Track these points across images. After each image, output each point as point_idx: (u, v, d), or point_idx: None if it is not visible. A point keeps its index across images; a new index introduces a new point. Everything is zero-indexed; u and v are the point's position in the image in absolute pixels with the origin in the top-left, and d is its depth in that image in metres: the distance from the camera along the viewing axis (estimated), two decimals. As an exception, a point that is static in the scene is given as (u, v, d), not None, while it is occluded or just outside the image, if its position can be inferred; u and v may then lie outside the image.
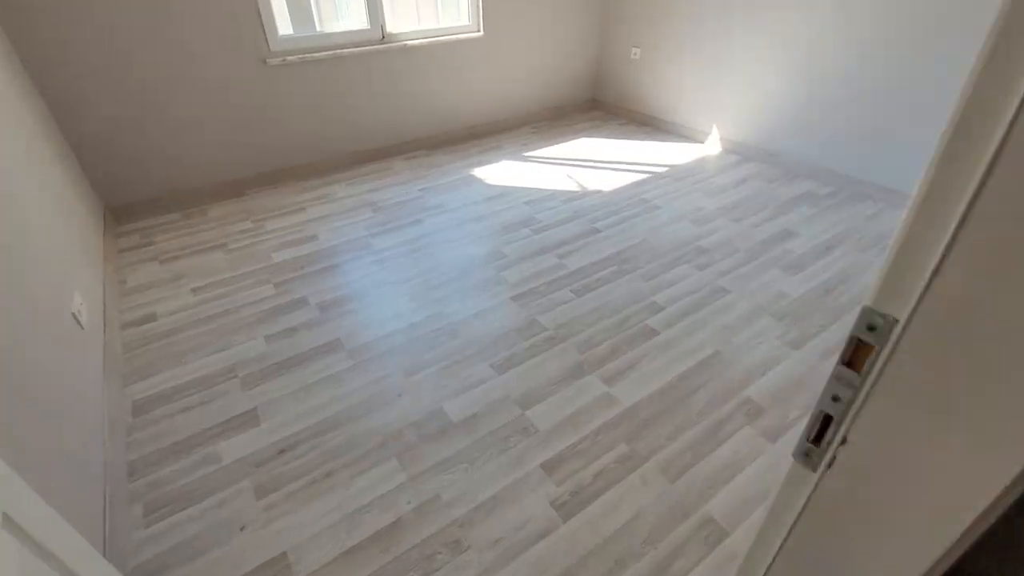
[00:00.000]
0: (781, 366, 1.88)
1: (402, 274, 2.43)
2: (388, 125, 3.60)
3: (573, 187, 3.22)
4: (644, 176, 3.33)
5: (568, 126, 4.22)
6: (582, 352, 1.96)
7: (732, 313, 2.14)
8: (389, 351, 1.98)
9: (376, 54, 3.31)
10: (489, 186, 3.25)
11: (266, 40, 2.95)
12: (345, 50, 3.17)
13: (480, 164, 3.57)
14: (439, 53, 3.56)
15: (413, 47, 3.41)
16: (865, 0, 2.68)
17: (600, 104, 4.57)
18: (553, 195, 3.12)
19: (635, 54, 4.05)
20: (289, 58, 3.01)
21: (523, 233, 2.75)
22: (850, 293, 2.24)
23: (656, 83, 3.99)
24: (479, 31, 3.67)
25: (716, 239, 2.65)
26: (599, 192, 3.15)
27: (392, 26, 3.34)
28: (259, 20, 2.88)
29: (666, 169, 3.42)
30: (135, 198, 2.94)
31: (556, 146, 3.83)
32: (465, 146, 3.87)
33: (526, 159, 3.63)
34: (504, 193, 3.16)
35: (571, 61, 4.25)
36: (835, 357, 0.78)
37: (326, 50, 3.14)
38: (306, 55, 3.06)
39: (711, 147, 3.75)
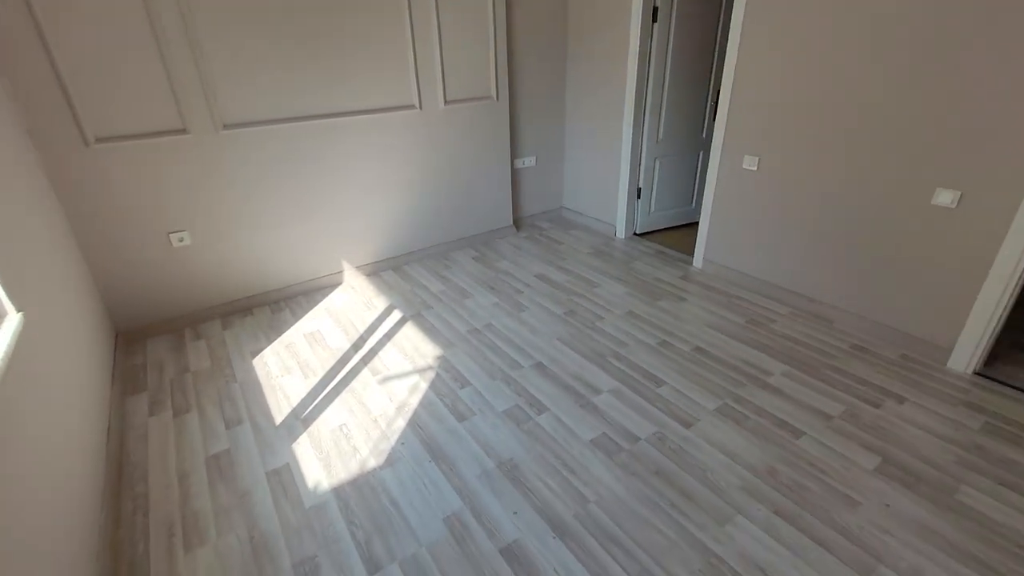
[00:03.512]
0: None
1: None
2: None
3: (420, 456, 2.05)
4: (435, 360, 2.66)
5: (186, 390, 2.44)
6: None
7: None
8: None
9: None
10: None
11: None
12: None
13: None
14: None
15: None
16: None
17: (146, 331, 2.83)
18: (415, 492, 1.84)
19: (182, 239, 2.78)
20: None
21: None
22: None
23: (240, 255, 3.02)
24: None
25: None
26: (476, 432, 2.08)
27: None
28: None
29: (391, 324, 3.00)
30: None
31: (276, 448, 2.09)
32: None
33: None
34: None
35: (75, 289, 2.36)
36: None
37: None
38: None
39: (353, 280, 3.47)
